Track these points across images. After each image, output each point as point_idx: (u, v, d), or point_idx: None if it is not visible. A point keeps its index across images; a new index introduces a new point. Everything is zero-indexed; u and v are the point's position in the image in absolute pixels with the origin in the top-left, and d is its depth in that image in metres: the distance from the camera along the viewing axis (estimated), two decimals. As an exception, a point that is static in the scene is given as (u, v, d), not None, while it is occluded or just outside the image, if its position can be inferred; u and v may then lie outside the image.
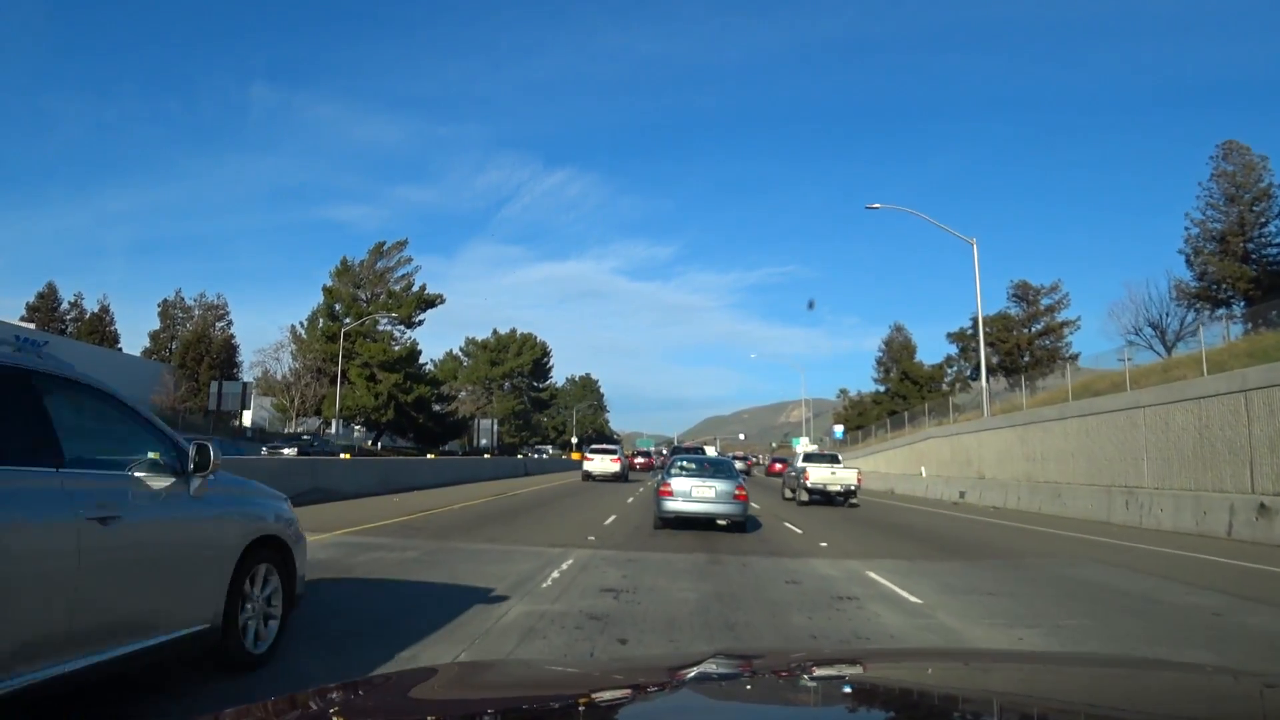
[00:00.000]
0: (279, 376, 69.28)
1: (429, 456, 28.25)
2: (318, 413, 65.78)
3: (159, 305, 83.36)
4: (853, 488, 24.14)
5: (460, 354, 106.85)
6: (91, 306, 77.04)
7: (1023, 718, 1.83)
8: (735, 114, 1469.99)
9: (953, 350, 55.11)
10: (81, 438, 3.83)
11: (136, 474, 3.94)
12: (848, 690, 2.10)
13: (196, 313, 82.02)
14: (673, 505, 14.81)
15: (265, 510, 4.95)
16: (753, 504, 17.21)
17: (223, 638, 4.36)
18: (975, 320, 32.60)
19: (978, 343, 34.84)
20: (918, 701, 1.99)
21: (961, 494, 29.14)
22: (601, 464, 35.42)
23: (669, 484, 15.10)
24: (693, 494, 14.82)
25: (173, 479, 4.12)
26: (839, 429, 64.50)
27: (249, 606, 4.66)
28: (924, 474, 34.37)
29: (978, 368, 53.04)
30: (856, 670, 2.37)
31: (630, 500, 23.32)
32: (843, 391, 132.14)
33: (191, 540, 4.21)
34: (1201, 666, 3.30)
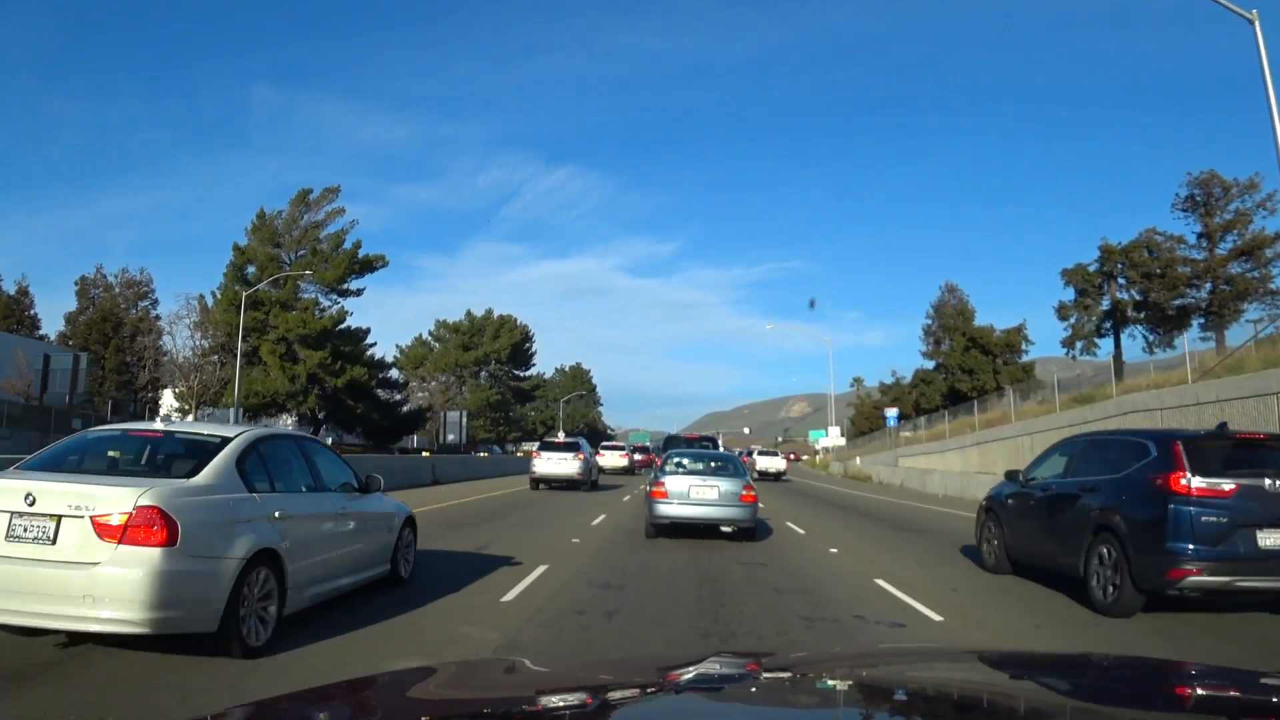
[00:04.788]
0: (177, 357, 55.13)
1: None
2: (215, 402, 51.52)
3: (76, 283, 70.57)
4: (783, 470, 44.53)
5: (430, 338, 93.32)
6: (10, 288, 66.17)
7: (1026, 716, 1.80)
8: (738, 109, 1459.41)
9: (1067, 296, 39.53)
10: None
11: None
12: (849, 691, 2.07)
13: (117, 290, 68.88)
14: (667, 509, 12.90)
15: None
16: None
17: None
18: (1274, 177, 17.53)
19: None
20: (919, 702, 1.95)
21: None
22: (612, 459, 40.33)
23: (662, 483, 13.08)
24: (691, 495, 12.92)
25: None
26: (892, 413, 50.50)
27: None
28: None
29: (1111, 315, 38.57)
30: (858, 671, 2.34)
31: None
32: (857, 380, 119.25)
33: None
34: (1206, 665, 3.28)
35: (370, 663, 5.57)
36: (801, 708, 1.94)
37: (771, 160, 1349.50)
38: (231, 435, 6.21)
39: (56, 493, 5.04)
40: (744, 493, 13.01)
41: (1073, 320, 39.15)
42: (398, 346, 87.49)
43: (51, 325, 70.50)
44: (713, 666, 2.16)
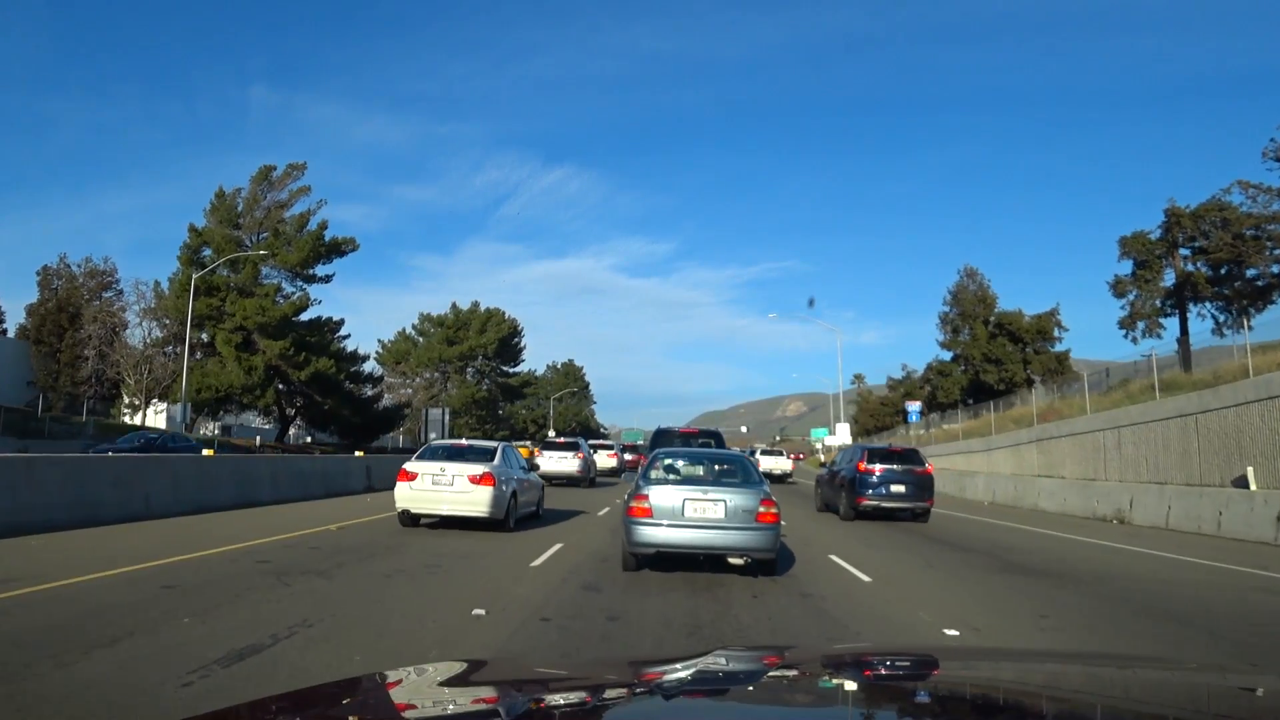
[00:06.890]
0: (126, 347, 50.49)
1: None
2: (165, 395, 46.84)
3: (38, 273, 65.97)
4: (789, 471, 43.44)
5: (413, 333, 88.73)
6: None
7: (1032, 715, 1.80)
8: (735, 110, 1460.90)
9: (1124, 269, 34.78)
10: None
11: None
12: (853, 688, 2.03)
13: (80, 280, 64.26)
14: (653, 534, 9.15)
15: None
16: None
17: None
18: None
19: None
20: (921, 699, 1.92)
21: None
22: (599, 459, 38.10)
23: (646, 496, 9.27)
24: (686, 513, 9.14)
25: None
26: (914, 406, 46.10)
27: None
28: (1254, 485, 15.90)
29: (1177, 290, 33.77)
30: (862, 669, 2.29)
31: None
32: (858, 377, 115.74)
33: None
34: (1216, 666, 3.38)
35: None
36: (804, 704, 1.88)
37: (768, 160, 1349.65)
38: (497, 445, 15.14)
39: (452, 467, 13.32)
40: (761, 509, 9.19)
41: (1131, 297, 34.36)
42: (379, 341, 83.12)
43: (20, 319, 65.97)
44: (716, 662, 2.10)
